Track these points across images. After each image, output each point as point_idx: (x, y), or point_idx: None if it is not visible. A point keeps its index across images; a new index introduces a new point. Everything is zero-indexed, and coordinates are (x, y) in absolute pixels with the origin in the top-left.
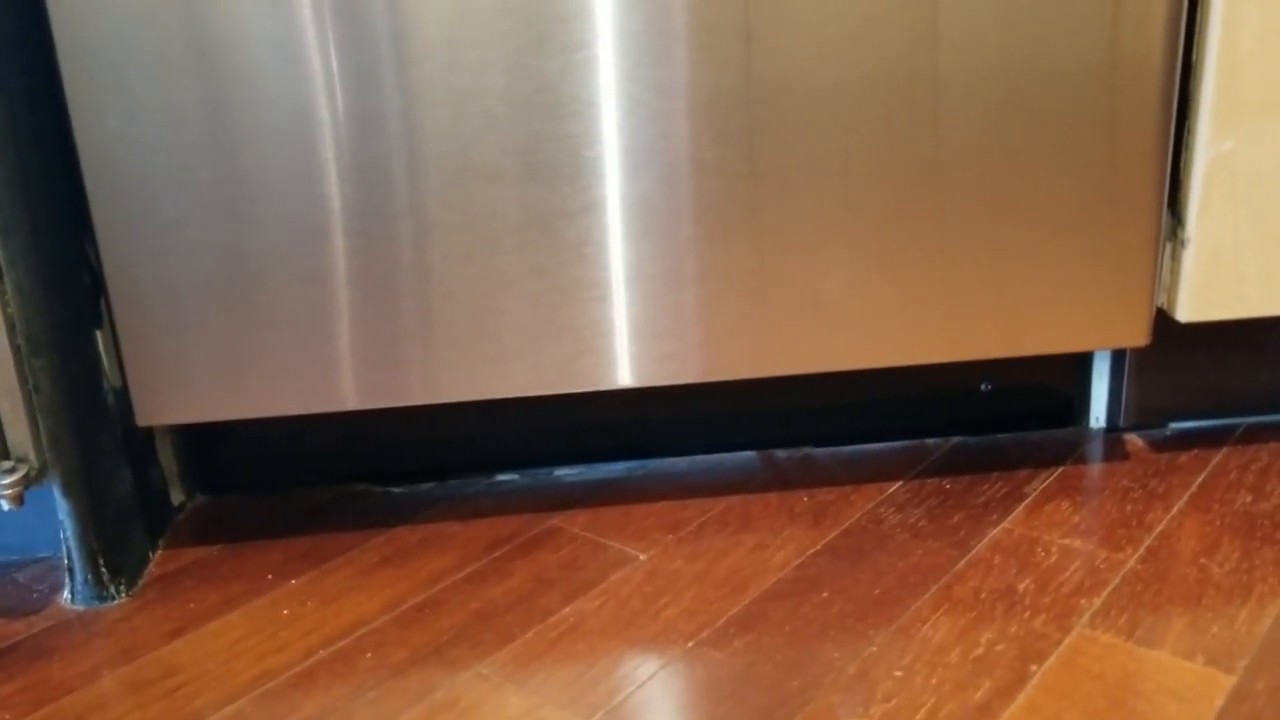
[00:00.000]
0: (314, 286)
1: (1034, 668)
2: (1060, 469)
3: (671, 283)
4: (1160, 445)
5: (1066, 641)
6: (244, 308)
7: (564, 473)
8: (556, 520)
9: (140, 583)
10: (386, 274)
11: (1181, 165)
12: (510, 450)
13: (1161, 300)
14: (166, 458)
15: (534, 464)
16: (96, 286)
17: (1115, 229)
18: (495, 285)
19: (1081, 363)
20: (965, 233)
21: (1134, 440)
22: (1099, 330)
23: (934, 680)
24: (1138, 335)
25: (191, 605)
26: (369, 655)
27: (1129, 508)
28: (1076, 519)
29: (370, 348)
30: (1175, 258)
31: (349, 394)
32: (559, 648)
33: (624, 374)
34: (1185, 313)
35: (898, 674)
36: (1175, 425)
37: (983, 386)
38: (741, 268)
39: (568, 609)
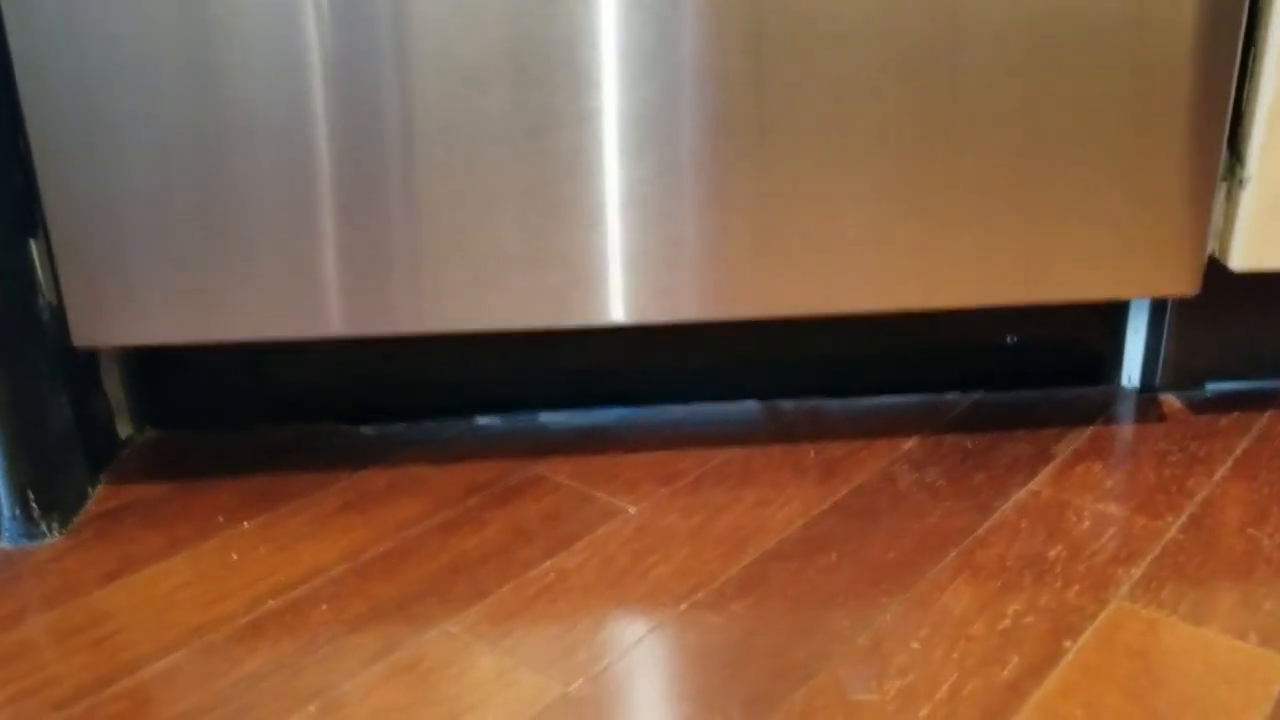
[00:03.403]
0: (285, 193)
1: (1068, 643)
2: (1090, 429)
3: (670, 206)
4: (1199, 407)
5: (1103, 615)
6: (202, 218)
7: (550, 418)
8: (540, 468)
9: (76, 521)
10: (364, 178)
11: (1245, 96)
12: (492, 391)
13: (1212, 246)
14: (113, 386)
15: (517, 407)
16: (30, 189)
17: (1165, 165)
18: (475, 201)
19: (1116, 316)
20: (996, 165)
21: (1170, 401)
22: (1142, 277)
23: (955, 654)
24: (1186, 283)
25: (131, 547)
26: (324, 607)
27: (1167, 472)
28: (1110, 482)
29: (344, 264)
30: (1231, 199)
31: (319, 317)
32: (537, 606)
33: (617, 309)
34: (1239, 260)
35: (914, 646)
36: (1213, 386)
37: (1008, 339)
38: (748, 192)
39: (548, 564)
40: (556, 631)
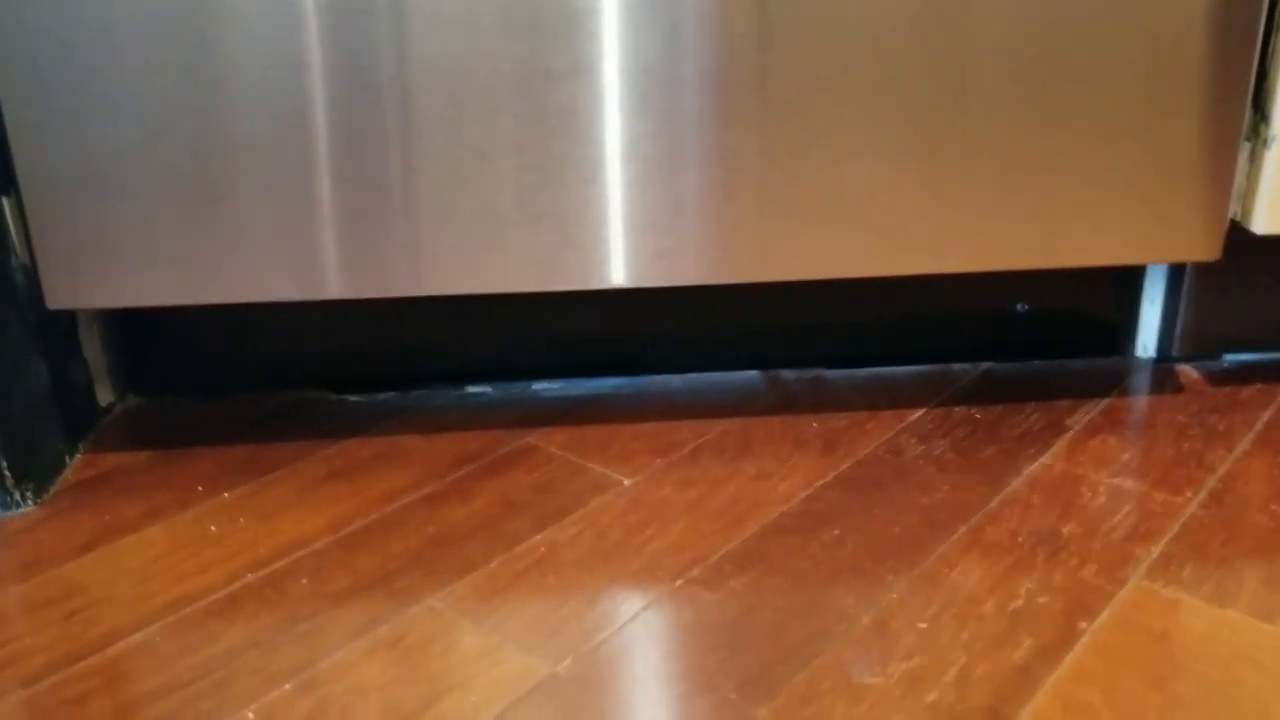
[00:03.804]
0: (277, 147)
1: (1083, 624)
2: (1105, 401)
3: (670, 164)
4: (1217, 378)
5: (1121, 595)
6: (188, 174)
7: (542, 387)
8: (531, 438)
9: (52, 490)
10: (358, 133)
11: (1270, 51)
12: (483, 360)
13: (1234, 209)
14: (93, 352)
15: (509, 376)
16: (1, 143)
17: (1185, 123)
18: (469, 157)
19: (1131, 283)
20: (1009, 123)
21: (1187, 372)
22: (1160, 242)
23: (964, 635)
24: (1207, 248)
25: (107, 517)
26: (305, 581)
27: (1186, 446)
28: (1126, 456)
29: (339, 223)
30: (1255, 159)
31: (314, 280)
32: (526, 581)
33: (615, 272)
34: (1263, 223)
35: (921, 626)
36: (1231, 357)
37: (1019, 307)
38: (752, 150)
39: (538, 537)
40: (545, 608)
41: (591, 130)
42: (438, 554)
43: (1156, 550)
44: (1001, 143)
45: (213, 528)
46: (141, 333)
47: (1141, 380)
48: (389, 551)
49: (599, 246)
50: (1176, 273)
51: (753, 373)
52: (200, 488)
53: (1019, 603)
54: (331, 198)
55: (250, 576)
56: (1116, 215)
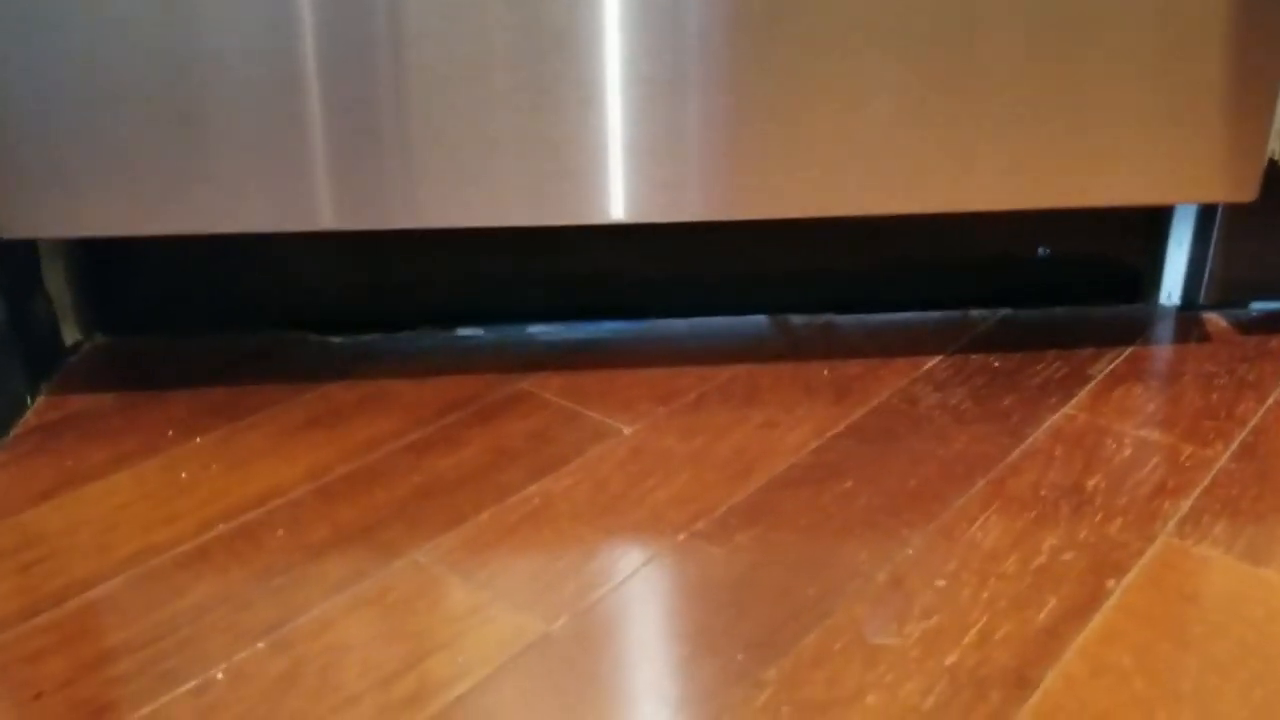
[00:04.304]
0: (255, 62)
1: (1111, 583)
2: (1129, 349)
3: (673, 88)
4: (1245, 326)
5: (1150, 552)
6: (158, 90)
7: (539, 330)
8: (526, 383)
9: (11, 434)
10: (343, 47)
11: None
12: (475, 301)
13: (1272, 147)
14: (57, 287)
15: (503, 319)
16: None
17: (1221, 55)
18: (457, 76)
19: (1157, 226)
20: (1033, 51)
21: (1215, 320)
22: (1192, 181)
23: (985, 594)
24: (1244, 189)
25: (70, 463)
26: (281, 532)
27: (1215, 396)
28: (1152, 407)
29: (327, 146)
30: None
31: (302, 209)
32: (518, 534)
33: (614, 205)
34: None
35: (940, 584)
36: (1259, 305)
37: (1039, 251)
38: (760, 73)
39: (532, 488)
40: (540, 563)
41: (590, 46)
42: (424, 505)
43: (1186, 505)
44: (1025, 74)
45: (183, 475)
46: (110, 267)
47: (1166, 328)
48: (372, 502)
49: (597, 177)
50: (1205, 216)
51: (760, 317)
52: (170, 432)
53: (1042, 560)
54: (317, 118)
55: (222, 527)
56: (1146, 152)
